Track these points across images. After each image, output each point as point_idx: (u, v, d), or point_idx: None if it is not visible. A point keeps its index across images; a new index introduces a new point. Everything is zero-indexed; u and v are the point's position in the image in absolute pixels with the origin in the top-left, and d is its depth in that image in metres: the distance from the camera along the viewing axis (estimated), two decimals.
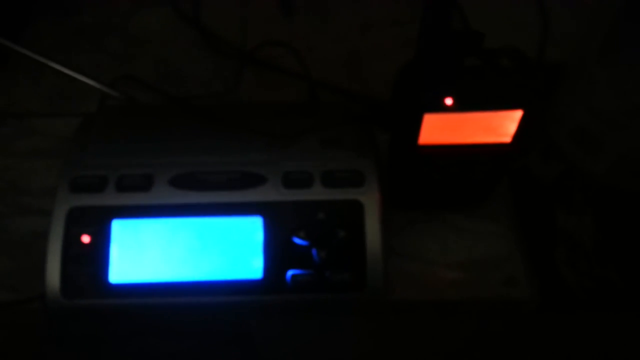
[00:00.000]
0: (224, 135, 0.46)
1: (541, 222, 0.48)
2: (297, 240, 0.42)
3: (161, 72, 0.60)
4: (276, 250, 0.42)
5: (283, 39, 0.61)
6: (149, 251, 0.43)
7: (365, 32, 0.64)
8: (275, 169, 0.44)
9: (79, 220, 0.43)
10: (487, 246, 0.48)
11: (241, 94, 0.58)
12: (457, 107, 0.37)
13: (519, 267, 0.47)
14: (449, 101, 0.37)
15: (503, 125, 0.39)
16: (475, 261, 0.47)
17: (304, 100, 0.55)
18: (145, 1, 0.67)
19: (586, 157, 0.49)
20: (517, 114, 0.38)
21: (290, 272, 0.42)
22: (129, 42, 0.64)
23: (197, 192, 0.44)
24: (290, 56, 0.59)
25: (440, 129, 0.40)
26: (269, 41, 0.61)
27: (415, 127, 0.39)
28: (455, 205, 0.49)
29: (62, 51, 0.62)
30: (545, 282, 0.46)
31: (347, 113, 0.49)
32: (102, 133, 0.47)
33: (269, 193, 0.44)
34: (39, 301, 0.43)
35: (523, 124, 0.38)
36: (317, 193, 0.43)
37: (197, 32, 0.63)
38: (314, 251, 0.42)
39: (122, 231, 0.43)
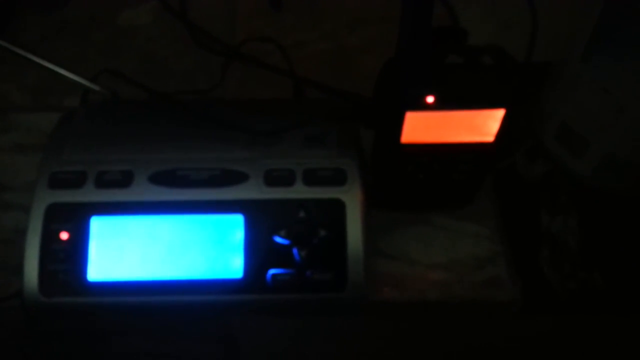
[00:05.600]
0: (206, 131, 0.46)
1: (526, 223, 0.48)
2: (278, 239, 0.42)
3: (146, 67, 0.60)
4: (257, 249, 0.42)
5: (271, 35, 0.60)
6: (128, 249, 0.42)
7: (353, 28, 0.63)
8: (257, 167, 0.44)
9: (57, 216, 0.42)
10: (471, 247, 0.47)
11: (227, 90, 0.58)
12: (438, 106, 0.37)
13: (502, 268, 0.46)
14: (430, 99, 0.36)
15: (485, 124, 0.38)
16: (459, 261, 0.47)
17: (289, 97, 0.55)
18: None
19: (572, 158, 0.49)
20: (499, 113, 0.37)
21: (270, 272, 0.42)
22: (115, 35, 0.63)
23: (178, 189, 0.43)
24: (277, 52, 0.58)
25: (422, 127, 0.39)
26: (256, 37, 0.60)
27: (397, 125, 0.39)
28: (440, 205, 0.49)
29: (47, 44, 0.62)
30: (529, 284, 0.45)
31: (332, 111, 0.48)
32: (82, 128, 0.47)
33: (251, 191, 0.43)
34: (17, 298, 0.43)
35: (505, 123, 0.38)
36: (299, 191, 0.43)
37: (184, 27, 0.62)
38: (294, 250, 0.42)
39: (101, 228, 0.42)
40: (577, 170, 0.49)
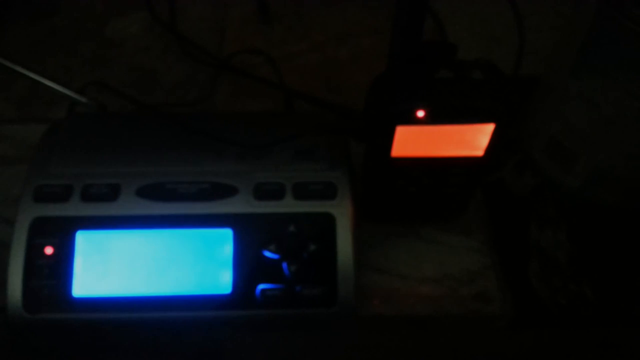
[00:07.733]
0: (194, 144, 0.45)
1: (515, 237, 0.48)
2: (267, 254, 0.41)
3: (134, 78, 0.59)
4: (246, 264, 0.41)
5: (260, 47, 0.60)
6: (115, 264, 0.41)
7: (343, 41, 0.63)
8: (247, 180, 0.43)
9: (42, 230, 0.42)
10: (461, 260, 0.47)
11: (216, 102, 0.57)
12: (429, 120, 0.37)
13: (492, 282, 0.46)
14: (420, 114, 0.36)
15: (475, 139, 0.38)
16: (449, 275, 0.46)
17: (278, 109, 0.54)
18: (121, 5, 0.66)
19: (560, 171, 0.49)
20: (489, 127, 0.37)
21: (260, 287, 0.41)
22: (104, 46, 0.63)
23: (165, 202, 0.42)
24: (266, 64, 0.58)
25: (413, 141, 0.39)
26: (246, 49, 0.60)
27: (387, 139, 0.39)
28: (430, 218, 0.48)
29: (33, 55, 0.61)
30: (519, 298, 0.45)
31: (322, 124, 0.48)
32: (68, 140, 0.46)
33: (240, 204, 0.43)
34: (0, 314, 0.42)
35: (495, 137, 0.38)
36: (289, 205, 0.43)
37: (173, 38, 0.62)
38: (284, 265, 0.41)
39: (86, 243, 0.41)
40: (565, 183, 0.49)
